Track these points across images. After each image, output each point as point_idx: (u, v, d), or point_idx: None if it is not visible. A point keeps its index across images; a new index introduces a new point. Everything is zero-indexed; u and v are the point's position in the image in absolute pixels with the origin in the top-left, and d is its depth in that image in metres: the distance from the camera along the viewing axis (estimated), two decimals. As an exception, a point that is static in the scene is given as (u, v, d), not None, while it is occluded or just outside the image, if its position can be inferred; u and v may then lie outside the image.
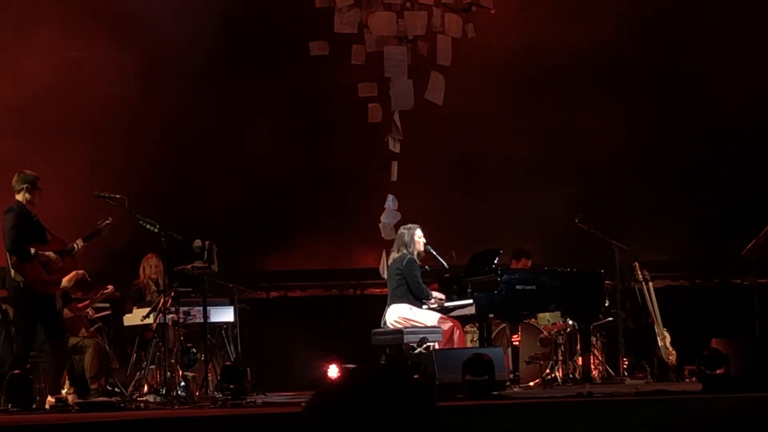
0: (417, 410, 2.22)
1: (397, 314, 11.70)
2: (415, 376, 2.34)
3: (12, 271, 10.28)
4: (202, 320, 11.26)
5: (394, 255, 11.98)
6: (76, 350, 11.31)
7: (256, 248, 16.16)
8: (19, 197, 10.44)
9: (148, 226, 10.79)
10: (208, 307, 11.30)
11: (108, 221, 10.84)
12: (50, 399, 10.32)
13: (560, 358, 12.69)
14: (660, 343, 12.95)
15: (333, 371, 11.59)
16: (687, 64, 16.21)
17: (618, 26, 15.75)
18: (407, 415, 2.20)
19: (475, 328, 12.54)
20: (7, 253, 10.34)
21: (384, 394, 2.20)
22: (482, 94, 15.54)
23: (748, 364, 9.86)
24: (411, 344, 11.40)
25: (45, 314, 10.45)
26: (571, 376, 12.54)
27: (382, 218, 12.94)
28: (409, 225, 12.06)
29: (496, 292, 11.65)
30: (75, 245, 10.66)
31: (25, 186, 10.44)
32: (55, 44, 14.50)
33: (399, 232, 12.09)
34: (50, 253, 10.41)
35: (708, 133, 16.36)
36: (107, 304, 12.37)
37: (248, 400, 10.10)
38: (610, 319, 12.88)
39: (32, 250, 10.28)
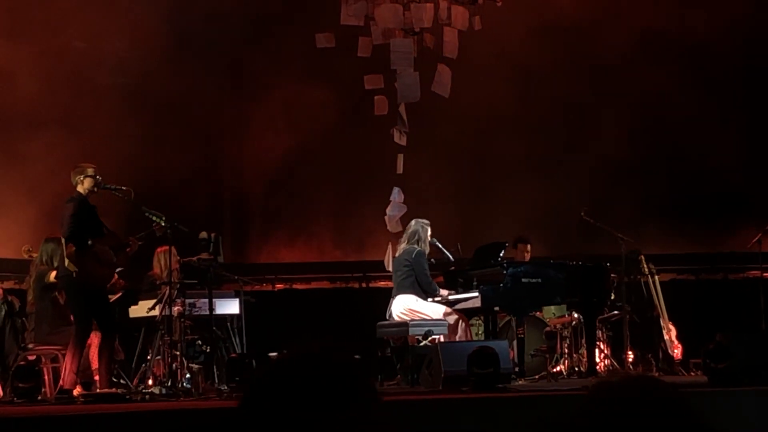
0: (345, 392, 2.18)
1: (404, 305, 11.70)
2: (350, 356, 2.27)
3: (66, 261, 10.34)
4: (207, 312, 11.27)
5: (403, 246, 11.96)
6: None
7: (261, 240, 16.17)
8: (79, 189, 10.51)
9: (154, 219, 10.81)
10: (214, 300, 11.32)
11: (155, 219, 10.85)
12: (108, 390, 10.28)
13: (565, 351, 12.68)
14: (665, 337, 12.94)
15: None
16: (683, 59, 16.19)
17: (629, 31, 15.73)
18: (336, 397, 2.17)
19: (480, 321, 12.54)
20: (64, 241, 10.41)
21: (308, 378, 2.17)
22: (489, 87, 15.53)
23: (753, 357, 9.86)
24: (416, 337, 11.41)
25: (97, 307, 10.51)
26: (576, 369, 12.53)
27: (388, 211, 12.91)
28: (422, 220, 12.04)
29: (501, 285, 11.64)
30: (129, 243, 10.74)
31: (80, 178, 10.51)
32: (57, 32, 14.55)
33: (413, 227, 12.03)
34: (105, 248, 10.50)
35: (716, 123, 16.33)
36: (116, 295, 12.36)
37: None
38: (616, 312, 12.87)
39: (89, 241, 10.35)
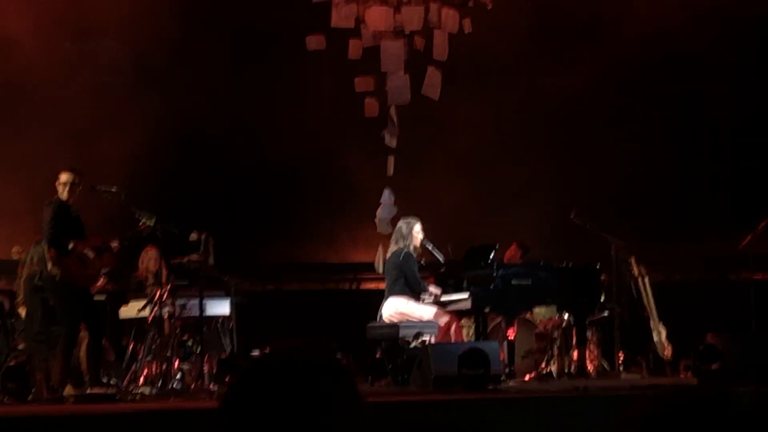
0: (324, 392, 2.19)
1: (394, 308, 11.72)
2: (331, 355, 2.28)
3: (49, 264, 10.34)
4: (198, 313, 11.26)
5: (392, 248, 11.98)
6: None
7: (252, 241, 16.16)
8: (59, 193, 10.51)
9: (144, 219, 10.81)
10: (204, 300, 11.31)
11: (147, 225, 10.85)
12: (95, 389, 10.30)
13: (556, 352, 12.69)
14: (656, 338, 12.96)
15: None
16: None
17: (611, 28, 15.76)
18: (315, 397, 2.18)
19: (471, 322, 12.55)
20: (46, 246, 10.40)
21: (288, 378, 2.18)
22: (478, 88, 15.57)
23: (743, 358, 9.90)
24: (406, 338, 11.41)
25: (83, 308, 10.52)
26: (566, 370, 12.54)
27: (378, 213, 12.93)
28: (409, 218, 12.07)
29: (492, 286, 11.67)
30: (112, 246, 10.74)
31: (57, 183, 10.51)
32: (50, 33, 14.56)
33: (398, 224, 12.10)
34: (88, 250, 10.50)
35: (707, 126, 16.40)
36: (102, 296, 12.34)
37: (244, 393, 10.10)
38: (606, 313, 12.88)
39: (70, 245, 10.35)
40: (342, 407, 2.18)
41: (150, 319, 11.33)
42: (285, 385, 2.15)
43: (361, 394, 2.25)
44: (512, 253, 13.41)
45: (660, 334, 12.97)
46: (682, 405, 2.19)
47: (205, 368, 11.33)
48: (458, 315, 11.89)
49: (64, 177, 10.52)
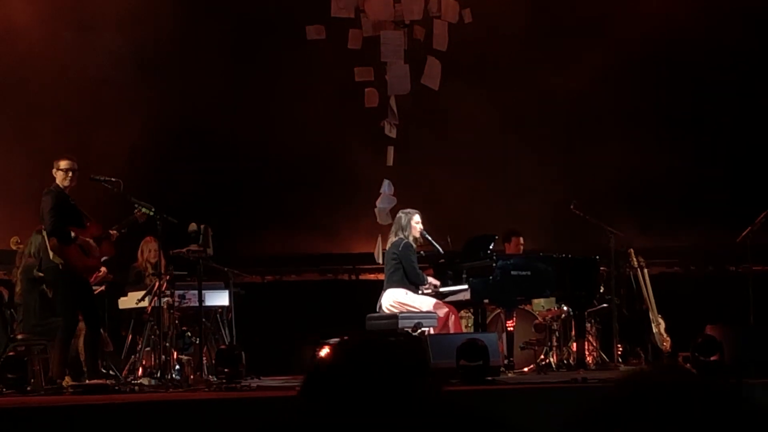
0: (409, 371, 2.23)
1: (393, 299, 11.72)
2: (403, 339, 2.35)
3: (51, 253, 10.33)
4: (197, 304, 11.26)
5: (391, 239, 11.99)
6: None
7: (251, 232, 16.16)
8: (57, 181, 10.50)
9: (143, 210, 10.81)
10: (203, 291, 11.31)
11: (143, 213, 10.84)
12: (93, 380, 10.31)
13: (555, 344, 12.69)
14: (654, 330, 12.96)
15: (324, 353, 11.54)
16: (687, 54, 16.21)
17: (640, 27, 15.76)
18: (401, 377, 2.21)
19: (469, 314, 12.55)
20: (46, 235, 10.39)
21: (372, 364, 2.21)
22: (480, 81, 15.56)
23: (742, 351, 9.91)
24: (406, 329, 11.41)
25: (83, 298, 10.52)
26: (565, 362, 12.55)
27: (378, 203, 12.92)
28: (407, 209, 12.09)
29: (491, 277, 11.67)
30: (110, 233, 10.74)
31: (54, 170, 10.52)
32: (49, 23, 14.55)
33: (397, 215, 12.12)
34: (89, 239, 10.49)
35: (707, 120, 16.39)
36: (102, 287, 12.34)
37: (242, 384, 10.15)
38: (605, 305, 12.89)
39: (72, 234, 10.35)
40: (420, 379, 2.24)
41: (149, 309, 11.33)
42: (373, 362, 2.20)
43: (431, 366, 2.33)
44: (513, 248, 13.40)
45: (659, 325, 12.98)
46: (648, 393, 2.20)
47: (204, 359, 11.34)
48: (457, 306, 11.89)
49: (63, 164, 10.52)
